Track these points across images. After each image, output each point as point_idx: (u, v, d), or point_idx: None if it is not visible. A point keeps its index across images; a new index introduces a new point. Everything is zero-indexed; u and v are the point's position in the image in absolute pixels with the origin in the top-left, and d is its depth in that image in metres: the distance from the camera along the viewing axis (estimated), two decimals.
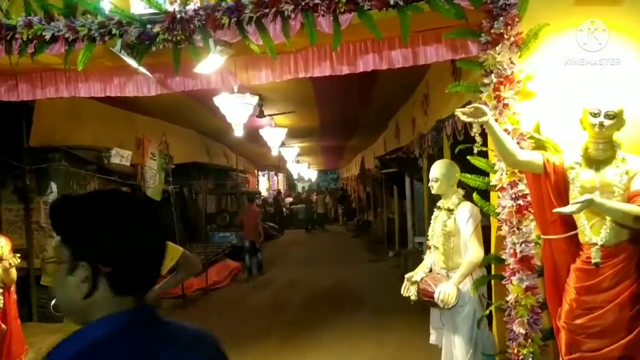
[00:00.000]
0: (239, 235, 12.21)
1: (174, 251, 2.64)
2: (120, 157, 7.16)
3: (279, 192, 23.48)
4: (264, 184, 29.56)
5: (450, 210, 3.55)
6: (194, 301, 8.15)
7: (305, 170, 28.64)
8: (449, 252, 3.54)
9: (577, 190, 2.51)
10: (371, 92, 8.38)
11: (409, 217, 10.20)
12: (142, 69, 3.16)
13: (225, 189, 14.12)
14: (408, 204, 10.24)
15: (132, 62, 3.06)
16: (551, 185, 2.62)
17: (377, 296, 8.09)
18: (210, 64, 3.19)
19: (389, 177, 11.66)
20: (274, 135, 10.41)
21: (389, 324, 6.41)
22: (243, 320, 7.10)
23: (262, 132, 10.23)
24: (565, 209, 2.40)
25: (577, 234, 2.59)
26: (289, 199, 24.28)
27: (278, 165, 24.29)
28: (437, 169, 3.58)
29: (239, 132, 6.94)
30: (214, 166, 13.51)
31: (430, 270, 3.64)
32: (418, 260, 4.17)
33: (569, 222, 2.62)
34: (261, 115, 8.64)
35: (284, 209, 22.38)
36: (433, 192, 3.65)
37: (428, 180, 3.68)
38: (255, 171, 23.94)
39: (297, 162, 21.51)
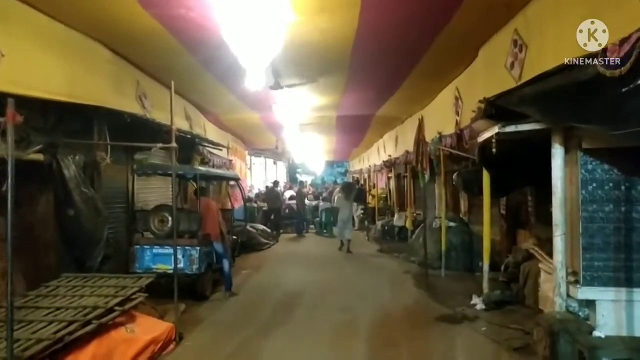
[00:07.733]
0: (190, 253, 6.49)
1: None
2: None
3: (275, 182, 17.53)
4: (260, 175, 23.66)
5: None
6: None
7: (312, 154, 22.70)
8: None
9: None
10: None
11: (559, 240, 4.36)
12: None
13: (166, 167, 7.56)
14: (558, 210, 4.38)
15: None
16: None
17: None
18: None
19: (485, 154, 5.74)
20: (253, 45, 4.49)
21: None
22: None
23: (226, 35, 4.34)
24: None
25: None
26: (290, 192, 18.29)
27: (276, 147, 18.42)
28: None
29: None
30: (156, 126, 7.57)
31: None
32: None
33: None
34: None
35: (282, 207, 16.42)
36: None
37: None
38: (246, 154, 18.05)
39: (301, 136, 15.57)
